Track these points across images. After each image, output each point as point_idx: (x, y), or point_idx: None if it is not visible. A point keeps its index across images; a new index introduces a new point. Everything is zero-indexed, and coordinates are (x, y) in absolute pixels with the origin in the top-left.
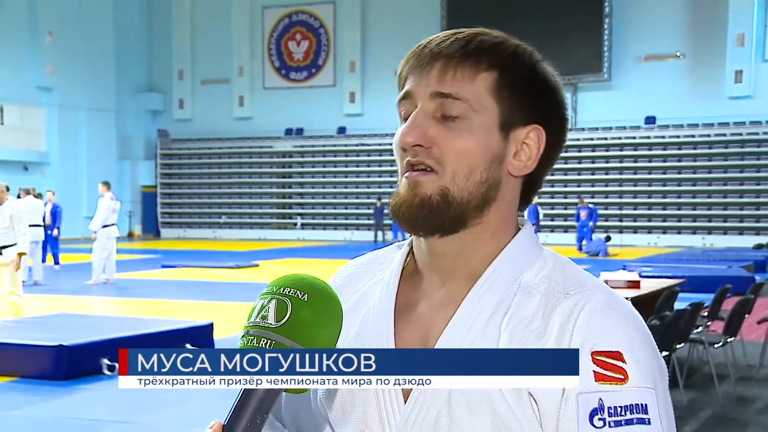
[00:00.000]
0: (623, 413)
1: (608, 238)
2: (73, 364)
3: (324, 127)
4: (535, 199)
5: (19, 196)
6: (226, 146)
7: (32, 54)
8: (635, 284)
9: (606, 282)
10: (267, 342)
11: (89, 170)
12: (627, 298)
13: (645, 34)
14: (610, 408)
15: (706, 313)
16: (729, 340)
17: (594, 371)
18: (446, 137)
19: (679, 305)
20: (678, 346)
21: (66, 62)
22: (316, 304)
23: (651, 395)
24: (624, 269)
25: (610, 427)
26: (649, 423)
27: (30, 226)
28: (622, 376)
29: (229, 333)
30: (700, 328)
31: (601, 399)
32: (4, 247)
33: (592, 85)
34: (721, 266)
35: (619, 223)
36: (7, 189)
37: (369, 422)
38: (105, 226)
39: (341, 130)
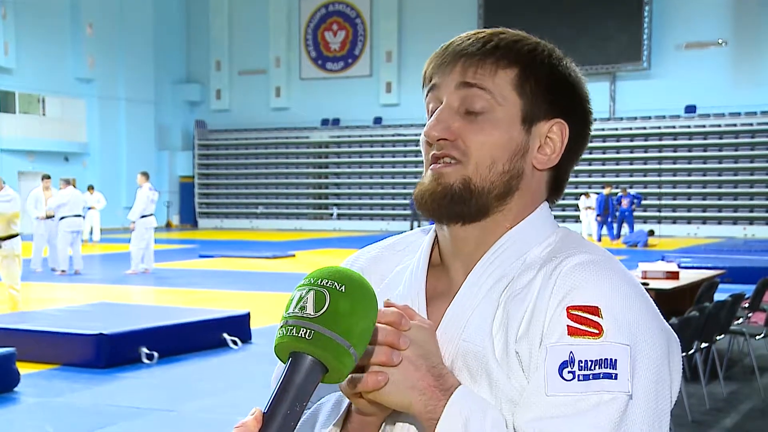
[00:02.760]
0: (593, 367)
1: (651, 232)
2: (114, 352)
3: (360, 118)
4: (608, 190)
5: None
6: (262, 137)
7: (73, 46)
8: (674, 275)
9: (645, 272)
10: (306, 332)
11: (128, 161)
12: (666, 289)
13: (686, 22)
14: (581, 362)
15: (747, 305)
16: None
17: (568, 326)
18: (470, 130)
19: (719, 296)
20: (718, 337)
21: (106, 54)
22: (353, 295)
23: (623, 351)
24: (663, 260)
25: (579, 380)
26: (615, 378)
27: (72, 216)
28: (596, 331)
29: (265, 323)
30: (740, 320)
31: (572, 352)
32: (3, 238)
33: (631, 74)
34: (763, 257)
35: (657, 214)
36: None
37: None
38: (143, 216)
39: (377, 121)
